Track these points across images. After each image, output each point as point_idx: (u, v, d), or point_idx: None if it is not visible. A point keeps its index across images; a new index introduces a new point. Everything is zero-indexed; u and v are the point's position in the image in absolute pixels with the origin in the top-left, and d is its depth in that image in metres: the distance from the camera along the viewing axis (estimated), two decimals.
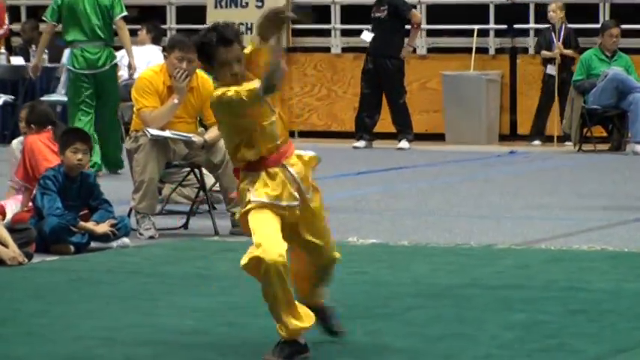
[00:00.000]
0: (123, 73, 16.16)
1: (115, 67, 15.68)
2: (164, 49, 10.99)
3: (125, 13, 15.06)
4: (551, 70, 17.57)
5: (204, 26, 16.59)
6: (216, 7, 18.44)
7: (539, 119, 17.79)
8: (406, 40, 17.56)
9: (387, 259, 9.04)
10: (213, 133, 10.32)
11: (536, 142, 17.71)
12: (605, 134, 17.14)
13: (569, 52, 17.49)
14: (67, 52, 15.75)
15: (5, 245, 9.07)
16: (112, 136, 14.83)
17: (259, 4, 18.66)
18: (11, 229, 9.42)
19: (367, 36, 17.66)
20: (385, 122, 17.44)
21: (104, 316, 7.47)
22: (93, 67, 14.68)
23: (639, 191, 12.67)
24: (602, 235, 10.24)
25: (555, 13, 17.40)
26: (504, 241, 9.92)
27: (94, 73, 14.69)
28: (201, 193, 10.89)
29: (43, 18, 15.36)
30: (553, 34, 17.34)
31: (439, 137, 17.91)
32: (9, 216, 10.01)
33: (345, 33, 18.77)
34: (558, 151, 16.95)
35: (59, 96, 16.18)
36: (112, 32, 14.83)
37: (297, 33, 18.52)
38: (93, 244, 9.64)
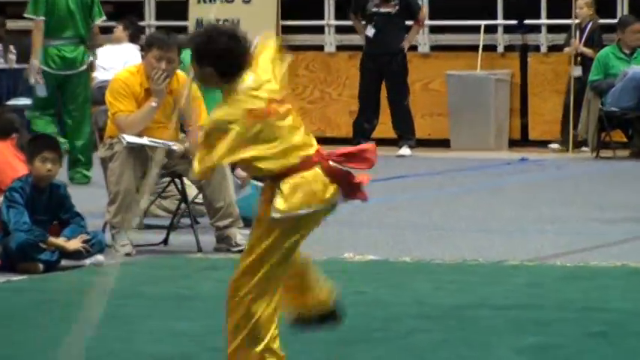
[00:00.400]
0: (97, 75, 16.19)
1: (90, 67, 15.93)
2: (142, 48, 11.06)
3: (104, 18, 15.33)
4: (576, 71, 17.62)
5: (186, 23, 16.86)
6: (199, 1, 18.49)
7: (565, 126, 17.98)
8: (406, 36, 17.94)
9: (387, 277, 9.04)
10: (195, 140, 10.64)
11: (554, 146, 17.74)
12: (625, 139, 17.19)
13: (588, 51, 17.55)
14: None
15: None
16: (84, 144, 14.98)
17: None
18: None
19: (371, 32, 17.95)
20: (385, 127, 17.55)
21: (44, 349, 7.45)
22: (70, 67, 14.90)
23: None
24: (622, 251, 10.27)
25: (583, 9, 17.51)
26: (515, 257, 9.96)
27: (69, 75, 14.94)
28: (183, 205, 11.00)
29: (26, 16, 15.27)
30: (578, 32, 17.49)
31: (443, 143, 18.03)
32: None
33: (339, 30, 18.85)
34: (574, 158, 17.01)
35: (27, 100, 16.16)
36: (89, 31, 15.09)
37: (287, 30, 18.55)
38: (64, 262, 9.63)
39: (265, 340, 5.92)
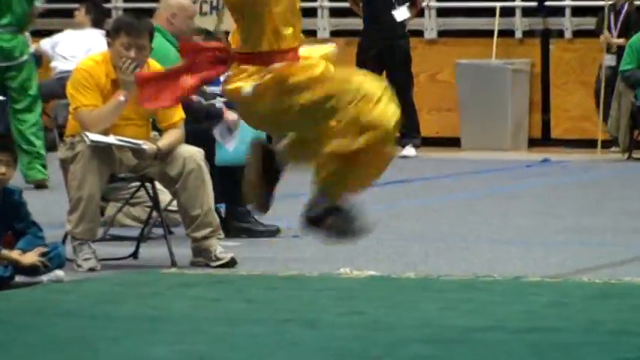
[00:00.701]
0: (57, 64, 16.43)
1: (33, 57, 16.21)
2: (108, 34, 11.01)
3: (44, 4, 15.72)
4: (609, 60, 17.65)
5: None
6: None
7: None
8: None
9: (389, 295, 8.96)
10: (169, 138, 10.43)
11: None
12: None
13: (618, 41, 17.57)
14: None
15: None
16: (33, 144, 15.01)
17: None
18: None
19: (403, 14, 17.77)
20: None
21: None
22: (9, 58, 14.93)
23: None
24: None
25: None
26: (535, 272, 9.88)
27: (8, 66, 14.97)
28: (155, 213, 10.97)
29: None
30: (612, 15, 17.50)
31: (453, 142, 18.08)
32: None
33: (334, 13, 18.89)
34: (603, 159, 17.07)
35: None
36: (28, 18, 15.25)
37: None
38: (17, 279, 9.52)
39: None
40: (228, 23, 18.46)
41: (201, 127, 11.35)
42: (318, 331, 6.99)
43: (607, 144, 17.31)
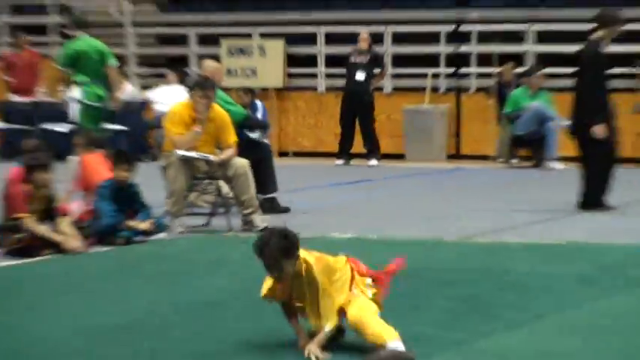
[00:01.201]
0: (157, 107, 16.25)
1: (143, 103, 16.27)
2: (189, 89, 11.14)
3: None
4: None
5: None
6: (229, 54, 18.27)
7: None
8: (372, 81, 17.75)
9: (361, 249, 8.41)
10: (227, 154, 10.58)
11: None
12: (529, 154, 17.20)
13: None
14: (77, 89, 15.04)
15: (72, 237, 9.37)
16: None
17: (262, 53, 18.81)
18: (76, 226, 9.76)
19: (361, 76, 17.49)
20: (358, 144, 17.43)
21: (147, 291, 7.75)
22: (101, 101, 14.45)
23: (553, 198, 12.78)
24: (524, 231, 10.44)
25: (505, 74, 17.41)
26: (449, 235, 10.06)
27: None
28: (219, 199, 11.07)
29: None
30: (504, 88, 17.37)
31: (400, 156, 17.99)
32: (74, 216, 10.13)
33: (328, 76, 18.64)
34: (493, 167, 17.10)
35: (110, 125, 15.48)
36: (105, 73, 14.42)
37: (291, 75, 18.55)
38: (137, 238, 9.91)
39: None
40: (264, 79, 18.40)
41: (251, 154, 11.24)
42: None
43: (498, 158, 17.23)
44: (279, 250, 5.47)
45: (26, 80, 17.38)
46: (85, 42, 14.55)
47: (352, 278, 5.80)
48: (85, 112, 14.52)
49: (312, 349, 5.60)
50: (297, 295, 5.74)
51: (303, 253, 5.70)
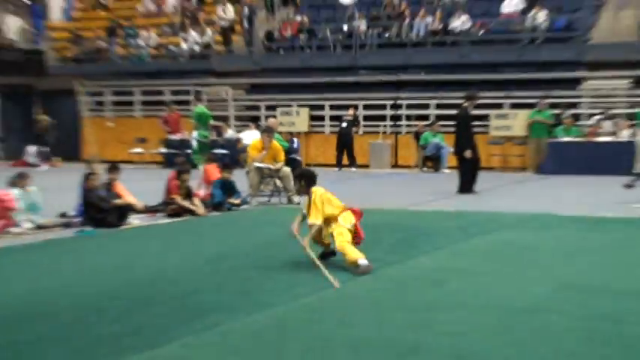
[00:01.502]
0: (243, 141, 17.44)
1: (236, 139, 17.66)
2: (267, 132, 11.68)
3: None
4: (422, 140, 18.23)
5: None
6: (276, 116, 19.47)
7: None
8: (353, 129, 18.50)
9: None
10: (279, 165, 11.19)
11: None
12: (432, 165, 18.38)
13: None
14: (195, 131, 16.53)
15: (200, 208, 10.19)
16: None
17: (297, 114, 20.05)
18: (202, 202, 10.28)
19: (345, 123, 18.63)
20: (346, 160, 18.34)
21: (237, 235, 8.08)
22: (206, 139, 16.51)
23: (444, 187, 13.16)
24: (430, 204, 10.94)
25: (420, 126, 18.45)
26: (392, 206, 10.55)
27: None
28: (275, 188, 11.65)
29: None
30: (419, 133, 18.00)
31: (367, 166, 19.02)
32: (200, 197, 10.50)
33: (331, 126, 20.00)
34: (414, 172, 18.09)
35: (220, 150, 17.42)
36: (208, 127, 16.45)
37: (312, 126, 20.16)
38: (233, 208, 10.58)
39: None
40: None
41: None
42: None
43: (416, 167, 17.87)
44: (303, 174, 6.41)
45: (175, 127, 19.27)
46: (201, 108, 17.10)
47: (342, 211, 6.21)
48: (198, 145, 16.77)
49: (305, 245, 5.93)
50: (306, 208, 6.21)
51: (318, 188, 6.26)
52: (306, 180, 6.35)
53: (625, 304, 4.74)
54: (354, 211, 6.19)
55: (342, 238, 5.97)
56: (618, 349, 3.76)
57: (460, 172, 12.27)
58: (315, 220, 6.09)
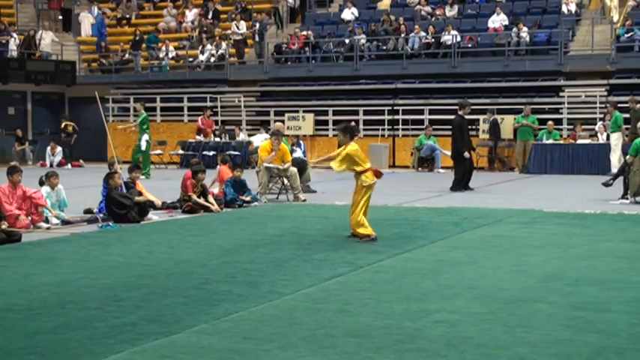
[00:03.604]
0: (254, 144, 17.05)
1: (248, 142, 17.14)
2: (270, 135, 11.65)
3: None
4: (416, 143, 17.83)
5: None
6: (289, 119, 19.58)
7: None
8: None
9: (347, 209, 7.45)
10: (286, 165, 11.07)
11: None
12: (427, 165, 18.22)
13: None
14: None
15: (214, 205, 10.10)
16: None
17: (303, 119, 19.93)
18: (216, 199, 10.25)
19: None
20: None
21: (247, 229, 8.02)
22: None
23: (439, 185, 13.15)
24: (426, 201, 10.99)
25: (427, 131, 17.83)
26: (390, 202, 10.33)
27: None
28: (283, 186, 11.60)
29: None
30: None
31: None
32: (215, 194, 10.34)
33: (333, 130, 19.93)
34: (410, 171, 17.91)
35: (232, 151, 16.97)
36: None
37: (316, 129, 20.02)
38: (245, 205, 10.48)
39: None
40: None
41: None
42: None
43: (413, 168, 17.82)
44: (346, 128, 6.95)
45: (207, 131, 19.70)
46: (145, 115, 16.01)
47: (367, 170, 6.84)
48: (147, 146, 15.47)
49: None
50: (338, 154, 6.74)
51: (354, 144, 6.82)
52: (350, 133, 7.06)
53: (607, 293, 4.71)
54: (375, 171, 7.01)
55: (358, 216, 6.63)
56: (601, 336, 3.73)
57: (455, 172, 12.52)
58: (336, 166, 6.82)
